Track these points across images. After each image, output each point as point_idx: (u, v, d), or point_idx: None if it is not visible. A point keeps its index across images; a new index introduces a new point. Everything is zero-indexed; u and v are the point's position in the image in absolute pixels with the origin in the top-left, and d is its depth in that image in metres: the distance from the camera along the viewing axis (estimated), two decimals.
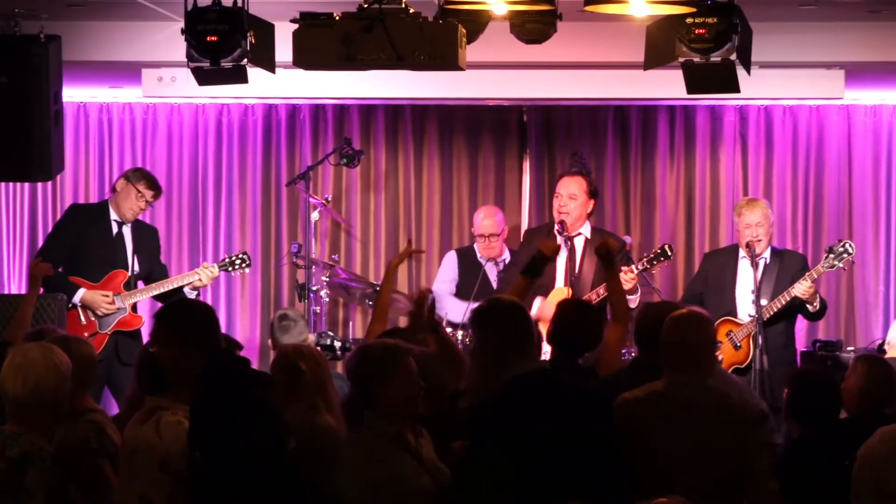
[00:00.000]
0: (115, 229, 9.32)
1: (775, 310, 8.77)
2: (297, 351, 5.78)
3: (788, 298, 8.75)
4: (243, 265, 9.54)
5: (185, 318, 5.15)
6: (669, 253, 8.95)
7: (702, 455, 5.49)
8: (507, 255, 9.94)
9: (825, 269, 8.83)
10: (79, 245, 9.24)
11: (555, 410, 5.19)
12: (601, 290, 8.89)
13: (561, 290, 9.02)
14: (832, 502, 5.51)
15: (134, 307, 9.25)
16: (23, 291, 9.75)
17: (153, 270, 9.43)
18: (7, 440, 5.07)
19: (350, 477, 5.05)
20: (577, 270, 8.98)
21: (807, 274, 8.79)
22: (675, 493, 4.32)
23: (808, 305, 8.85)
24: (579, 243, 9.10)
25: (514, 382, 5.24)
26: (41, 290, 8.21)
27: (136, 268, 9.30)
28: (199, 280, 9.32)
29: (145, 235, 9.48)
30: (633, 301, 8.76)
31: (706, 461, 5.49)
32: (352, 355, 5.29)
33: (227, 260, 9.53)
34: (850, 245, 8.84)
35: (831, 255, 8.80)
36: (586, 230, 9.14)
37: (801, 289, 8.73)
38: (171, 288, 9.30)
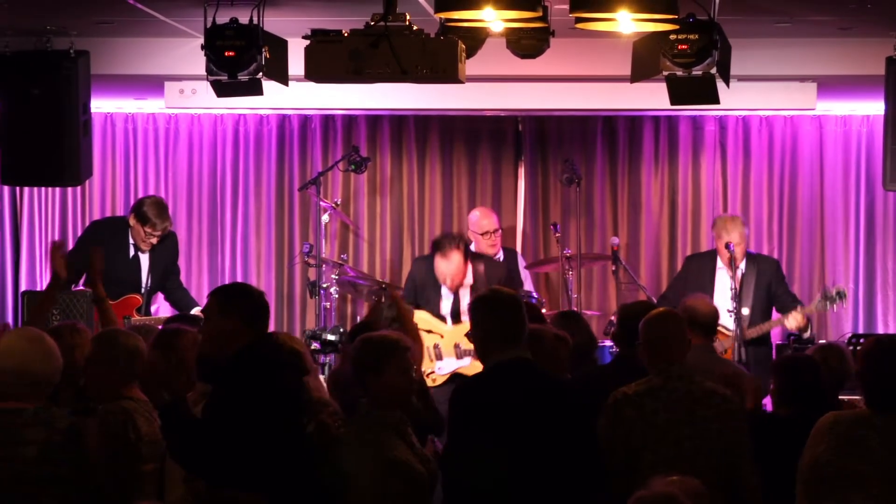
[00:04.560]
0: (132, 252, 9.15)
1: (762, 332, 8.85)
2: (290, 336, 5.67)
3: (776, 326, 8.86)
4: None
5: (249, 296, 5.13)
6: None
7: (699, 445, 5.44)
8: (500, 255, 9.92)
9: (817, 309, 9.00)
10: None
11: (532, 398, 5.05)
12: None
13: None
14: None
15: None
16: None
17: (168, 275, 9.29)
18: (52, 417, 4.98)
19: (353, 459, 4.99)
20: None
21: (800, 308, 8.88)
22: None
23: (801, 334, 8.94)
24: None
25: (496, 368, 5.17)
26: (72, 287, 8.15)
27: (149, 284, 9.15)
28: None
29: (162, 249, 9.23)
30: None
31: (703, 451, 5.43)
32: (353, 344, 5.23)
33: None
34: (844, 291, 8.96)
35: (826, 300, 8.92)
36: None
37: (793, 323, 8.85)
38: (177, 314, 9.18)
